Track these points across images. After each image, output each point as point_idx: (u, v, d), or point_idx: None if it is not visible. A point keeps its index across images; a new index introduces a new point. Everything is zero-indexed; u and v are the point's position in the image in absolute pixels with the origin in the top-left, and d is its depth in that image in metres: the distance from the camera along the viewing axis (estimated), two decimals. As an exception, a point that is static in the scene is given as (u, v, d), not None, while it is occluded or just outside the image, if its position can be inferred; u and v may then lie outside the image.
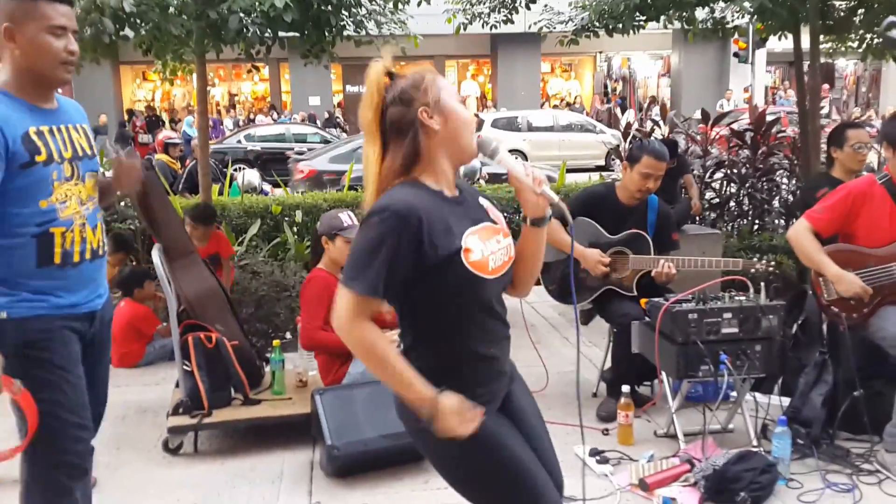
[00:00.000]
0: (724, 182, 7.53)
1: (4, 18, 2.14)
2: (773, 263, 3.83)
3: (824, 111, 14.35)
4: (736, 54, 16.88)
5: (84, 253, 2.29)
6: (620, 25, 6.59)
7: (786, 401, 3.76)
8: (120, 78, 24.69)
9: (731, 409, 3.76)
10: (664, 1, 6.32)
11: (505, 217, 2.12)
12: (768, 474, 3.15)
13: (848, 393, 3.44)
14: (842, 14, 6.46)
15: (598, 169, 15.06)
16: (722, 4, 7.02)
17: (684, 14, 6.76)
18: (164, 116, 23.77)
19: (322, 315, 3.63)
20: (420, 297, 1.79)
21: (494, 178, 9.56)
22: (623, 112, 22.03)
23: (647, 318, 3.65)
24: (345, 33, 5.59)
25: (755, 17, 6.71)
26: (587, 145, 17.11)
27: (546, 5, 7.61)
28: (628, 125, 10.48)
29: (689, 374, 3.41)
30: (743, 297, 3.51)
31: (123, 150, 2.56)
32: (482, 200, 1.96)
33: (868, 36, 6.72)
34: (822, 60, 7.38)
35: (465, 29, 7.49)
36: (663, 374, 3.68)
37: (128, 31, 4.93)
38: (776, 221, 7.39)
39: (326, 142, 16.65)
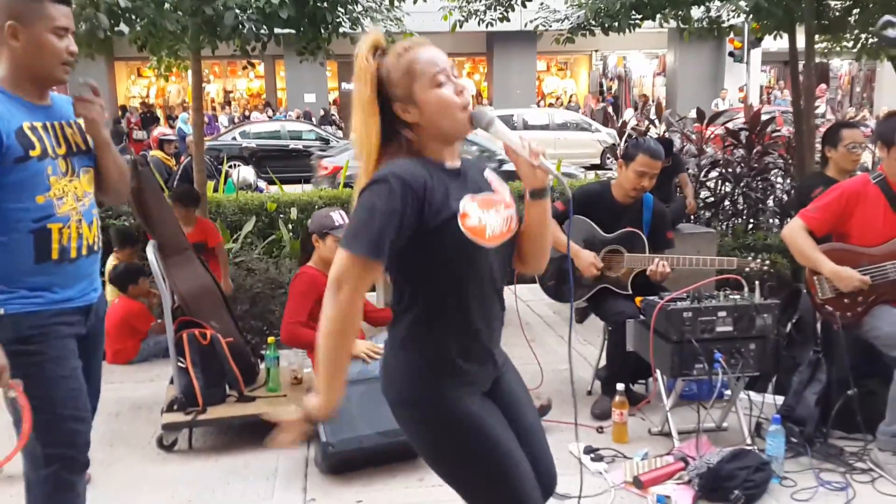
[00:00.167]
0: (719, 181, 7.54)
1: (9, 16, 2.15)
2: (767, 262, 3.84)
3: (820, 111, 14.39)
4: (731, 53, 16.89)
5: (80, 249, 2.29)
6: (616, 24, 6.60)
7: (780, 399, 3.77)
8: (115, 74, 24.64)
9: (726, 407, 3.77)
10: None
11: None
12: (762, 472, 3.16)
13: (842, 392, 3.45)
14: (837, 14, 6.48)
15: (594, 168, 15.08)
16: (718, 3, 7.04)
17: (680, 13, 6.77)
18: (160, 113, 23.72)
19: (306, 311, 3.61)
20: (417, 264, 1.79)
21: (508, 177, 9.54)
22: (616, 111, 22.07)
23: (641, 317, 3.66)
24: (340, 30, 5.58)
25: (751, 16, 6.72)
26: (583, 144, 17.14)
27: (542, 3, 7.63)
28: (624, 123, 10.50)
29: (684, 372, 3.42)
30: (737, 296, 3.52)
31: (118, 146, 2.53)
32: (487, 173, 1.96)
33: (863, 36, 6.74)
34: (817, 60, 7.40)
35: (460, 26, 7.48)
36: (658, 372, 3.70)
37: (123, 27, 4.91)
38: (771, 220, 7.41)
39: (323, 139, 16.65)
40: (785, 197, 7.34)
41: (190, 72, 5.99)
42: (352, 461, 3.37)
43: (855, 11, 6.37)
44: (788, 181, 7.36)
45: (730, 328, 3.42)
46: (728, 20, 7.47)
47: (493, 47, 24.41)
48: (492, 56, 24.94)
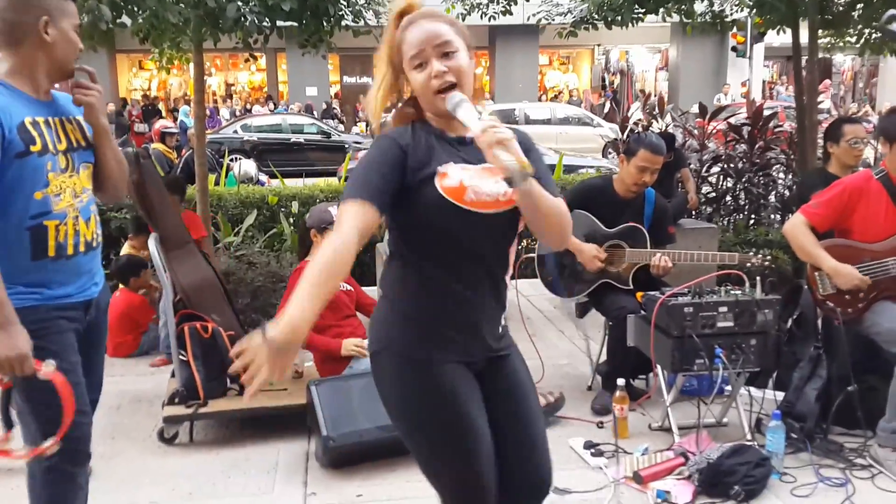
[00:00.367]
0: (721, 176, 7.53)
1: (43, 11, 2.20)
2: (768, 258, 3.83)
3: (824, 105, 14.34)
4: (734, 48, 16.87)
5: (78, 246, 2.28)
6: (619, 18, 6.58)
7: (780, 395, 3.77)
8: (116, 66, 24.61)
9: (726, 403, 3.77)
10: (663, -7, 6.33)
11: None
12: (762, 468, 3.16)
13: (842, 388, 3.44)
14: (841, 8, 6.46)
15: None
16: (721, -3, 7.03)
17: (683, 7, 6.75)
18: (161, 106, 23.69)
19: None
20: (403, 222, 1.85)
21: None
22: (617, 105, 22.02)
23: (642, 312, 3.66)
24: (343, 23, 5.57)
25: (754, 10, 6.71)
26: (584, 138, 17.11)
27: (545, -4, 7.60)
28: (625, 119, 10.47)
29: (684, 367, 3.42)
30: (738, 292, 3.51)
31: (120, 139, 2.54)
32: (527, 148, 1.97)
33: (866, 31, 6.73)
34: (821, 55, 7.38)
35: (463, 20, 7.44)
36: (658, 367, 3.69)
37: (125, 19, 4.90)
38: (772, 216, 7.40)
39: (324, 133, 16.64)
40: (787, 192, 7.33)
41: (192, 64, 5.97)
42: (352, 455, 3.37)
43: (859, 6, 6.35)
44: (790, 177, 7.35)
45: (731, 324, 3.42)
46: (731, 14, 7.44)
47: (495, 41, 24.34)
48: (494, 50, 24.88)
